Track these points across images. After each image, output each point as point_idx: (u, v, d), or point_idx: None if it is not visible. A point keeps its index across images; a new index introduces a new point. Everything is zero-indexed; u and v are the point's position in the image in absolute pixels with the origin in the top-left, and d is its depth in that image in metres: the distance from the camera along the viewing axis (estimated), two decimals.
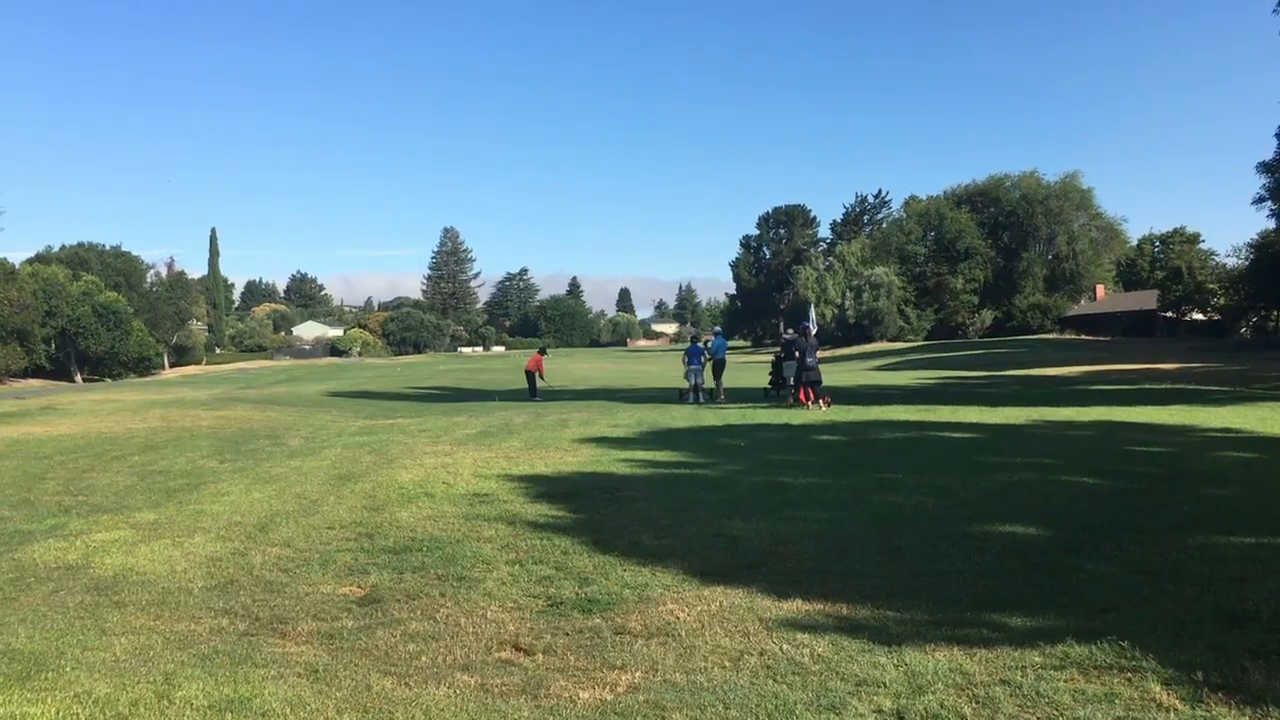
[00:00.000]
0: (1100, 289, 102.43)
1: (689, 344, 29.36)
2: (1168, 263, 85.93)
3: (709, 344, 29.40)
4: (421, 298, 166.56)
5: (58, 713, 5.21)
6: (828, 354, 66.13)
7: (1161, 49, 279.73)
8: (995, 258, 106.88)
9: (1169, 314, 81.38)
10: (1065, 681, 5.20)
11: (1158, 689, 5.03)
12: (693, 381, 27.87)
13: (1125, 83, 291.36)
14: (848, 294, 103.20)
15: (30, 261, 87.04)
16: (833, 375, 38.54)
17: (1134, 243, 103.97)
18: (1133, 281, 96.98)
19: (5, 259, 76.73)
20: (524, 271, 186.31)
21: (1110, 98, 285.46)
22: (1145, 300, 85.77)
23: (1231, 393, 27.96)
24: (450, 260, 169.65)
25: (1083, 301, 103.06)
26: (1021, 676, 5.29)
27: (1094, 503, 10.03)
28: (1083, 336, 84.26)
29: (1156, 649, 5.56)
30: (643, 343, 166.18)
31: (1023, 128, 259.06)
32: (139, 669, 5.93)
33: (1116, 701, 4.93)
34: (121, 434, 20.95)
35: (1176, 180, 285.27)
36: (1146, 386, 32.20)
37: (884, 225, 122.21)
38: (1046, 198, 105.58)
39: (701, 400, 27.34)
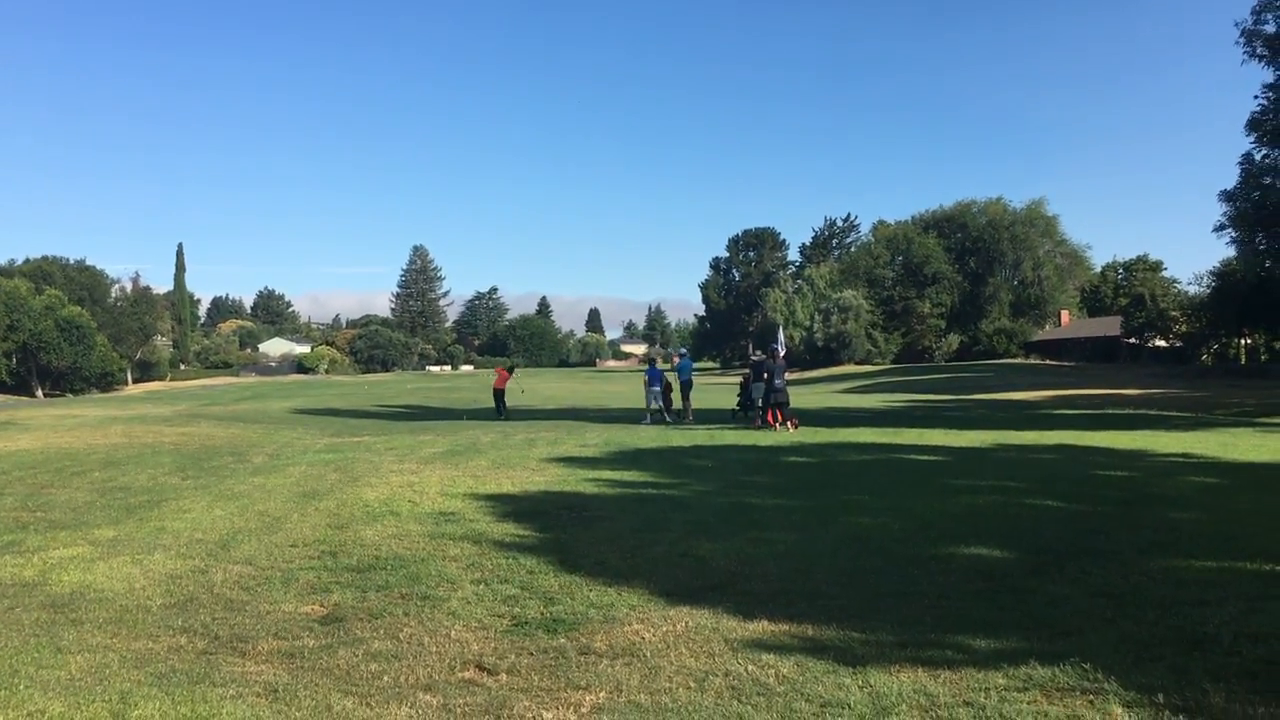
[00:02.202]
0: (1065, 315, 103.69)
1: (648, 366, 29.70)
2: (1131, 290, 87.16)
3: (677, 364, 29.57)
4: (390, 316, 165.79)
5: None
6: (796, 376, 66.41)
7: (1124, 78, 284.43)
8: (962, 282, 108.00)
9: (1132, 340, 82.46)
10: (1028, 704, 5.22)
11: (1119, 711, 5.05)
12: (650, 403, 28.28)
13: (1089, 112, 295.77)
14: (816, 317, 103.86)
15: None
16: (801, 397, 38.70)
17: (1098, 270, 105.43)
18: (1096, 308, 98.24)
19: None
20: (494, 290, 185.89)
21: (1075, 126, 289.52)
22: (1109, 326, 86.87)
23: (1193, 418, 28.33)
24: (419, 278, 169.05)
25: (1047, 327, 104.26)
26: (985, 698, 5.31)
27: (1057, 526, 10.10)
28: (1047, 361, 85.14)
29: (1118, 671, 5.59)
30: (612, 363, 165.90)
31: (990, 155, 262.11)
32: (95, 688, 5.83)
33: None
34: (82, 450, 20.66)
35: (1139, 209, 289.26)
36: (1110, 411, 32.58)
37: (852, 249, 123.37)
38: (1012, 224, 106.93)
39: (664, 420, 27.47)
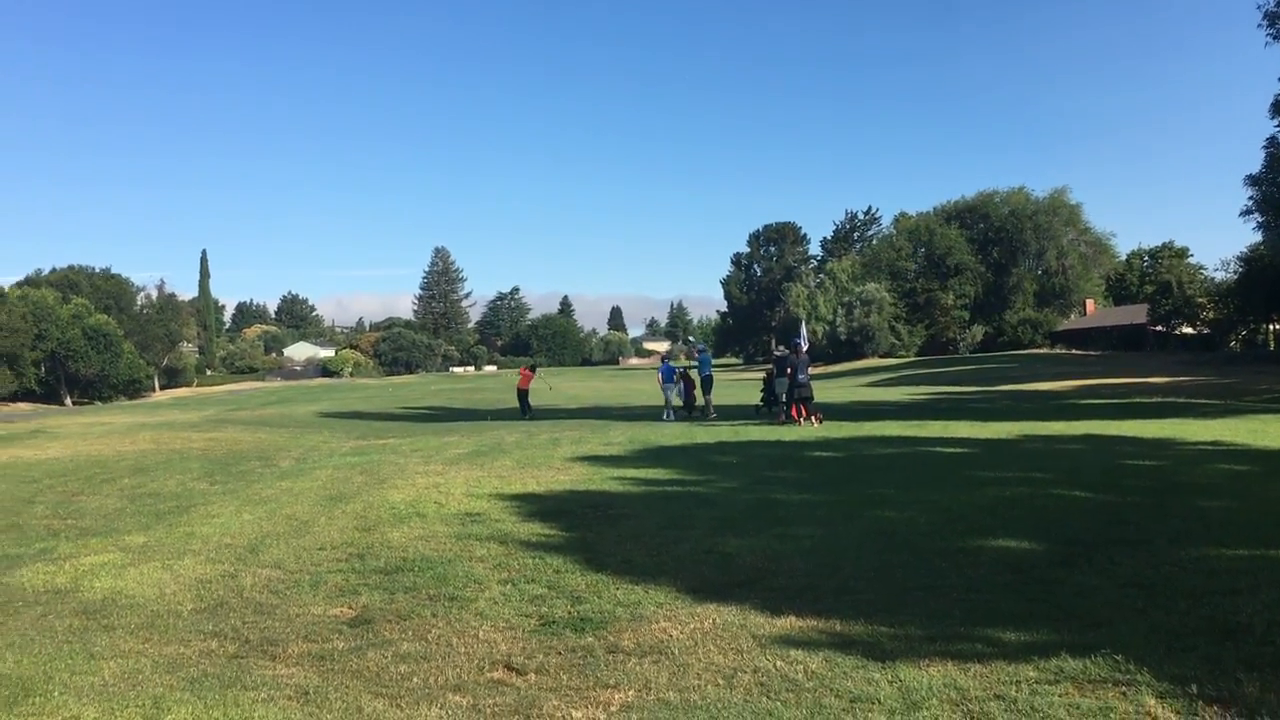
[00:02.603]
0: (1090, 304, 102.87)
1: (661, 364, 29.93)
2: (1157, 277, 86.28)
3: (695, 358, 29.59)
4: (413, 318, 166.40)
5: None
6: (819, 370, 66.20)
7: (1146, 63, 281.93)
8: (985, 273, 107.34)
9: (1159, 328, 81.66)
10: (1060, 696, 5.19)
11: (1152, 702, 5.02)
12: (669, 400, 28.64)
13: (1111, 98, 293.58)
14: (839, 310, 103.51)
15: (19, 285, 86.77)
16: (824, 391, 38.58)
17: (1123, 258, 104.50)
18: (1122, 296, 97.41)
19: None
20: (515, 291, 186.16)
21: (1097, 113, 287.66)
22: (1135, 314, 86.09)
23: (1222, 406, 28.05)
24: (441, 280, 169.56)
25: (1073, 316, 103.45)
26: (1016, 691, 5.28)
27: (1086, 516, 10.03)
28: (1073, 351, 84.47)
29: (1150, 662, 5.54)
30: (634, 361, 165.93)
31: (1011, 144, 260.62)
32: (128, 693, 5.88)
33: (1111, 715, 4.91)
34: (111, 457, 20.85)
35: (1164, 196, 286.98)
36: (1137, 400, 32.29)
37: (874, 242, 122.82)
38: (1035, 213, 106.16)
39: (673, 417, 27.59)
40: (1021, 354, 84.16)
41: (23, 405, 69.31)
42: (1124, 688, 5.24)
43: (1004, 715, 4.98)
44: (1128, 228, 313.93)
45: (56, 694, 5.89)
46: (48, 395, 78.39)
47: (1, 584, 9.30)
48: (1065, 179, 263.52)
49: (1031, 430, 19.78)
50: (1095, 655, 5.70)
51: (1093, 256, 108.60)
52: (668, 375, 29.10)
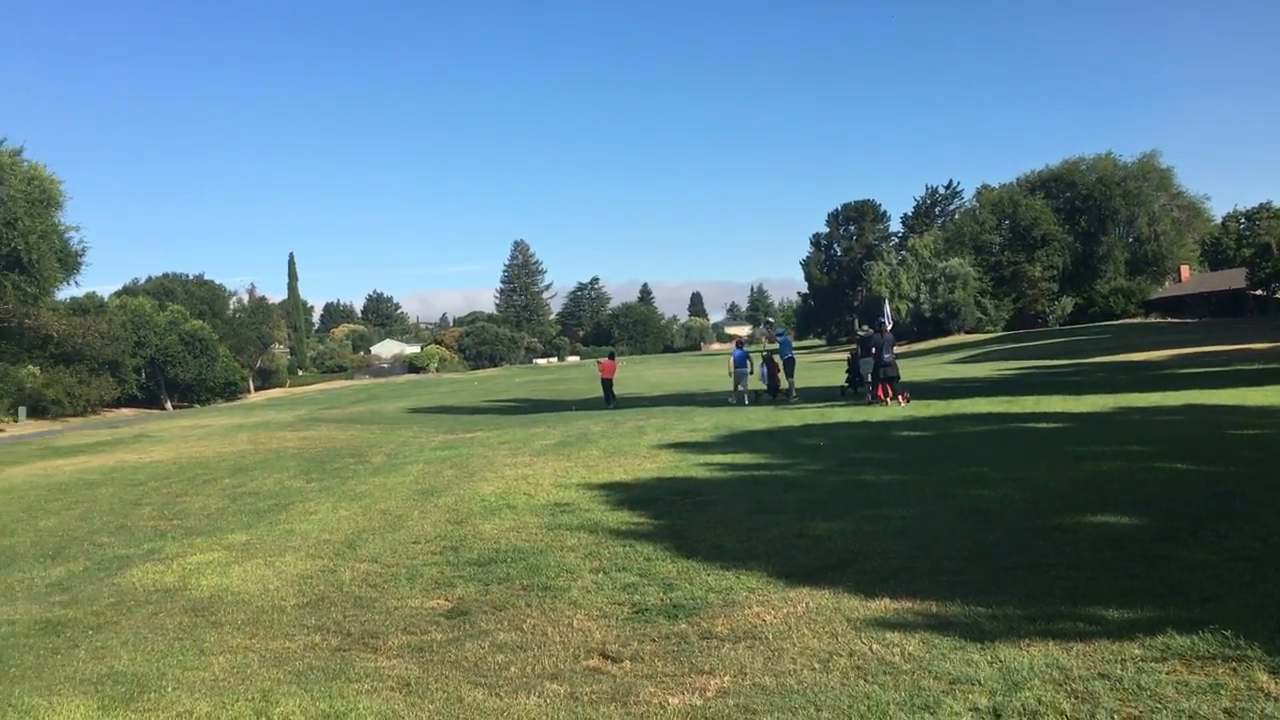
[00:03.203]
0: (1185, 270, 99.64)
1: (735, 349, 29.92)
2: (1255, 239, 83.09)
3: (776, 341, 29.55)
4: (495, 311, 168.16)
5: None
6: (904, 349, 65.32)
7: (1235, 18, 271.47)
8: (1073, 243, 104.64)
9: (1259, 292, 78.75)
10: (1167, 674, 5.05)
11: (1265, 678, 4.86)
12: (738, 385, 28.66)
13: (1200, 58, 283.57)
14: (922, 287, 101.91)
15: (118, 294, 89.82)
16: (910, 370, 38.07)
17: (1218, 221, 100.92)
18: (1219, 261, 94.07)
19: (94, 293, 79.45)
20: (595, 280, 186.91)
21: (1186, 74, 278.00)
22: (1233, 279, 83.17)
23: None
24: (522, 273, 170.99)
25: (1167, 284, 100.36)
26: (1121, 670, 5.15)
27: (1189, 489, 9.73)
28: (1168, 319, 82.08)
29: (1261, 637, 5.36)
30: (716, 346, 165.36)
31: (1095, 110, 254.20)
32: (237, 687, 6.06)
33: (1222, 692, 4.76)
34: (211, 458, 21.48)
35: (1261, 155, 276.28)
36: (1238, 367, 31.23)
37: (956, 216, 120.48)
38: (1124, 179, 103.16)
39: (745, 402, 27.62)
40: (1114, 324, 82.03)
41: (126, 411, 71.65)
42: (1234, 664, 5.08)
43: (1109, 694, 4.87)
44: (1223, 190, 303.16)
45: (170, 689, 6.10)
46: (149, 400, 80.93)
47: (113, 584, 9.65)
48: (1154, 143, 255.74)
49: (1128, 402, 19.27)
50: (1203, 631, 5.53)
51: (1186, 221, 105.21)
52: (740, 360, 28.97)
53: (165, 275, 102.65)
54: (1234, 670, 5.00)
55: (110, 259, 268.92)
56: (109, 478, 19.10)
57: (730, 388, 29.14)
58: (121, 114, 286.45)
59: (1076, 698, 4.86)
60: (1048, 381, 30.35)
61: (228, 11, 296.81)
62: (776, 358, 29.27)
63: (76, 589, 9.60)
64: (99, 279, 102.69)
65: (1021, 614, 6.22)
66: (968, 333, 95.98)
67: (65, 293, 59.95)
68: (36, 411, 58.55)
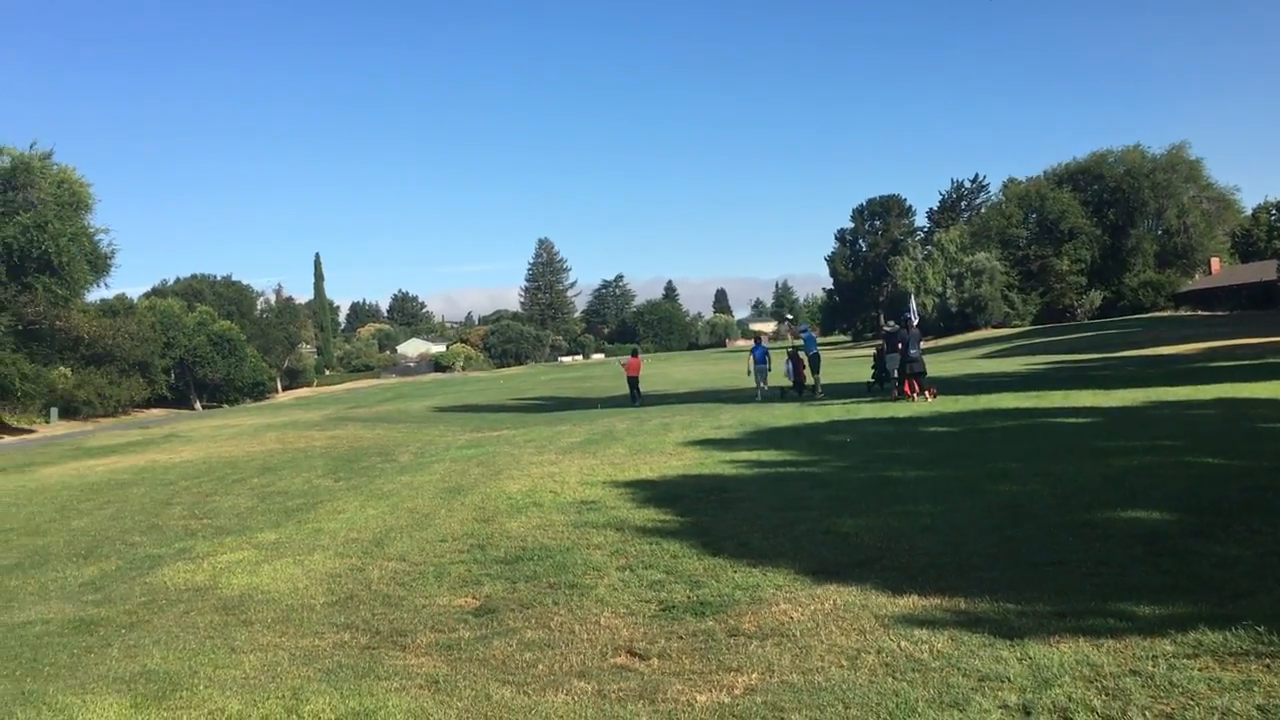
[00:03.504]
0: (1215, 262, 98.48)
1: (754, 345, 30.18)
2: None
3: (800, 338, 29.57)
4: (520, 310, 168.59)
5: None
6: (931, 344, 64.96)
7: (1262, 9, 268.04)
8: (1101, 236, 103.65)
9: None
10: (1199, 670, 5.00)
11: None
12: (759, 381, 28.82)
13: (1229, 47, 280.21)
14: (948, 282, 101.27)
15: (147, 295, 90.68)
16: (937, 365, 37.85)
17: (1249, 212, 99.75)
18: (1250, 252, 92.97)
19: (124, 294, 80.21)
20: (619, 278, 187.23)
21: (1214, 64, 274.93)
22: (1264, 271, 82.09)
23: None
24: (546, 271, 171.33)
25: (1197, 276, 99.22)
26: (1153, 666, 5.11)
27: (1221, 484, 9.63)
28: (1199, 312, 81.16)
29: None
30: (741, 343, 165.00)
31: (1123, 102, 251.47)
32: (268, 685, 6.11)
33: (1255, 689, 4.71)
34: (241, 457, 21.65)
35: None
36: (1270, 361, 30.85)
37: (982, 210, 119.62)
38: (1152, 171, 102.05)
39: (762, 398, 27.87)
40: (1143, 318, 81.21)
41: (155, 411, 72.32)
42: (1267, 660, 5.03)
43: (1141, 691, 4.83)
44: (1253, 181, 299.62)
45: (202, 687, 6.15)
46: (178, 400, 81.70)
47: (145, 583, 9.75)
48: (1183, 134, 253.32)
49: (1158, 396, 19.09)
50: (1236, 627, 5.48)
51: (1216, 213, 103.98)
52: (760, 357, 29.09)
53: (193, 276, 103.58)
54: (1267, 667, 4.95)
55: (139, 261, 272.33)
56: (140, 477, 19.29)
57: (754, 385, 29.26)
58: (150, 117, 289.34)
59: (1107, 695, 4.82)
60: (1076, 376, 30.12)
61: (255, 14, 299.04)
62: (801, 354, 29.20)
63: (109, 588, 9.70)
64: (128, 281, 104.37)
65: (1051, 610, 6.18)
66: (995, 328, 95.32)
67: (95, 295, 60.44)
68: (68, 412, 59.24)
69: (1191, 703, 4.65)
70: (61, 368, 59.05)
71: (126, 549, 11.74)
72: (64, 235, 45.18)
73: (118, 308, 73.53)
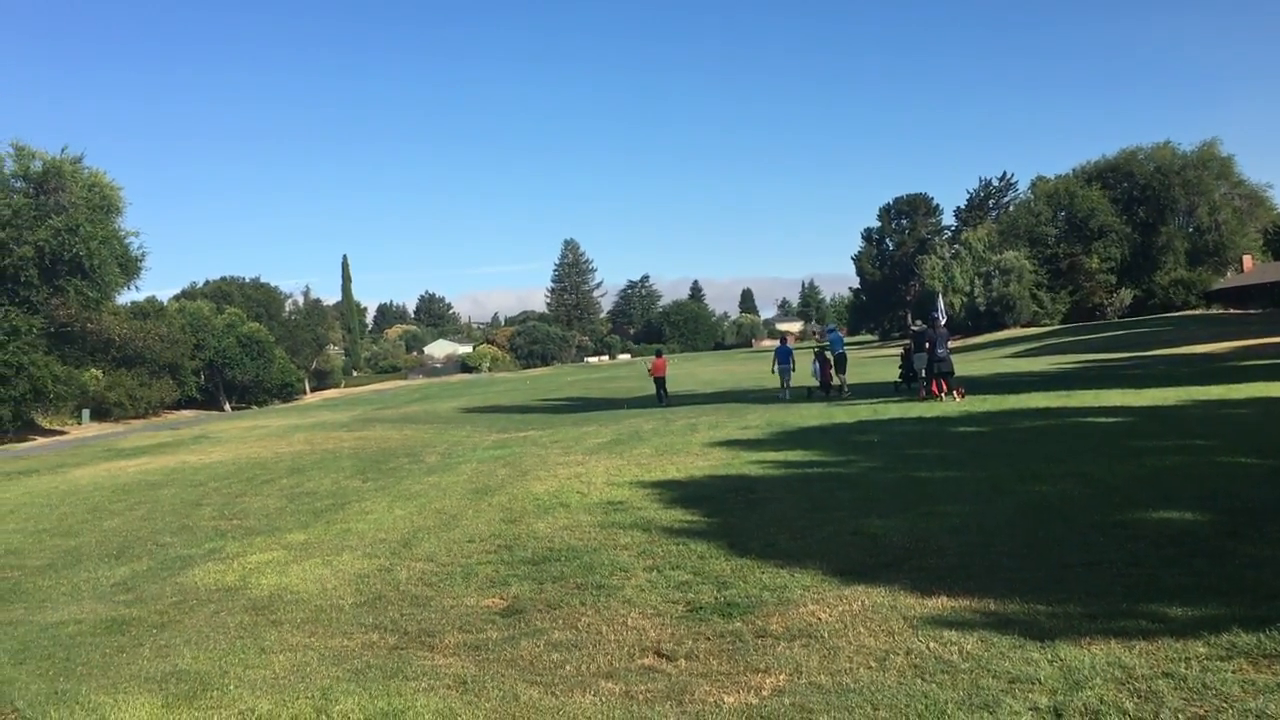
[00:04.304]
0: (1248, 260, 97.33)
1: (778, 345, 30.92)
2: None
3: (825, 338, 29.66)
4: (546, 310, 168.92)
5: None
6: (959, 343, 64.57)
7: None
8: (1132, 234, 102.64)
9: None
10: (1233, 672, 4.94)
11: None
12: (784, 381, 29.23)
13: (1258, 45, 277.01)
14: (976, 281, 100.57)
15: (177, 298, 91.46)
16: (965, 365, 37.60)
17: None
18: None
19: (154, 296, 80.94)
20: (645, 278, 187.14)
21: (1245, 59, 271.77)
22: None
23: None
24: (572, 272, 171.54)
25: (1229, 274, 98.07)
26: (1185, 668, 5.05)
27: (1254, 484, 9.51)
28: (1231, 311, 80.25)
29: None
30: (767, 343, 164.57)
31: (1152, 99, 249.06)
32: (297, 685, 6.14)
33: None
34: (270, 458, 21.80)
35: None
36: None
37: (1011, 209, 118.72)
38: (1183, 168, 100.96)
39: (788, 397, 28.19)
40: (1175, 316, 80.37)
41: (185, 412, 72.89)
42: None
43: (1174, 694, 4.78)
44: None
45: (232, 687, 6.20)
46: (208, 402, 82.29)
47: (176, 583, 9.83)
48: (1214, 131, 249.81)
49: (1190, 396, 18.88)
50: (1270, 629, 5.40)
51: (1248, 210, 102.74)
52: (784, 357, 29.54)
53: (222, 279, 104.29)
54: None
55: (169, 263, 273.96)
56: (170, 478, 19.46)
57: (778, 384, 29.51)
58: (179, 121, 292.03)
59: (1140, 697, 4.77)
60: (1107, 375, 29.83)
61: (285, 17, 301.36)
62: (828, 354, 29.12)
63: (140, 588, 9.79)
64: (158, 283, 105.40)
65: (1082, 612, 6.12)
66: (1023, 326, 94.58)
67: (126, 297, 61.12)
68: (99, 414, 59.80)
69: (1225, 705, 4.59)
70: (93, 370, 59.62)
71: (157, 549, 11.85)
72: (95, 238, 45.67)
73: (148, 310, 74.15)
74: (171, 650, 7.27)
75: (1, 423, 43.09)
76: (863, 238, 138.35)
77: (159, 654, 7.20)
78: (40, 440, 45.27)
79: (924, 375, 23.49)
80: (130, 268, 50.28)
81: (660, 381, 32.84)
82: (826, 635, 6.26)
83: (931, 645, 5.84)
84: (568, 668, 6.17)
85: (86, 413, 58.25)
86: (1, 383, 42.40)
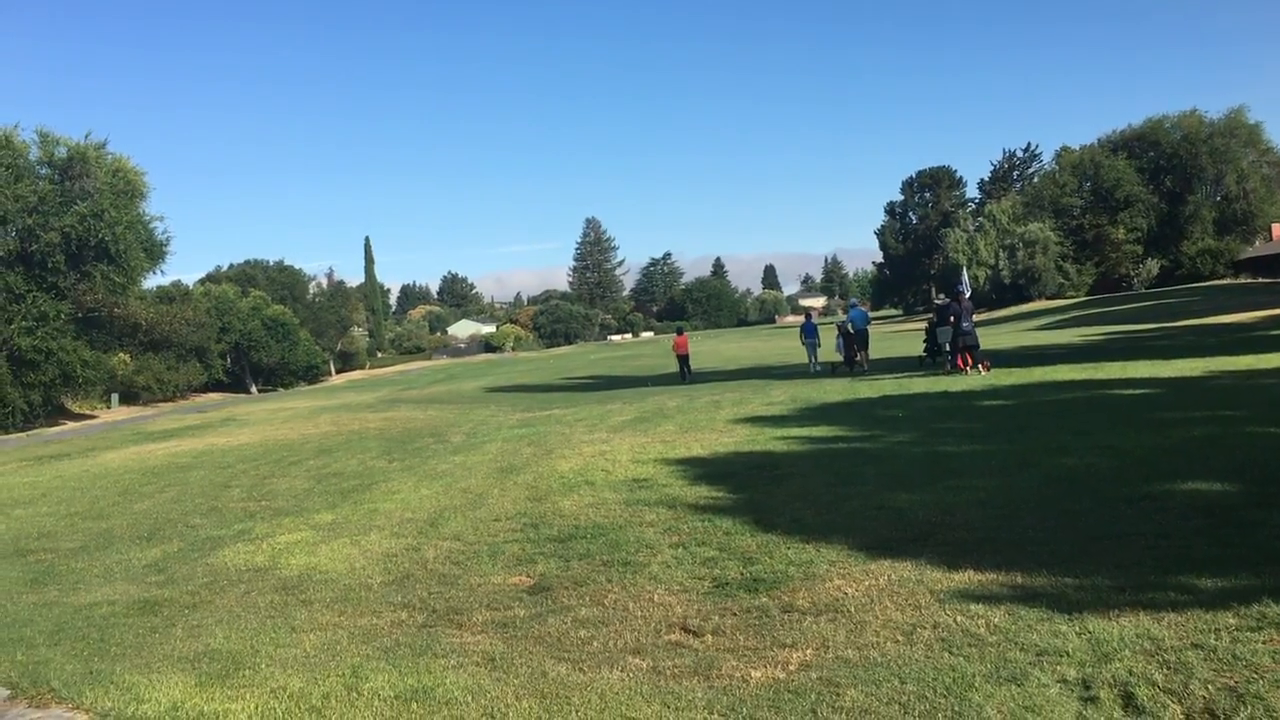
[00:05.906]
0: (1276, 228, 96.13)
1: (804, 320, 31.53)
2: None
3: (848, 315, 29.63)
4: (569, 289, 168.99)
5: (256, 708, 5.50)
6: (984, 316, 64.16)
7: None
8: (1158, 204, 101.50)
9: None
10: (1263, 643, 4.91)
11: None
12: (811, 355, 29.98)
13: None
14: (1001, 254, 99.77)
15: (202, 281, 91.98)
16: (990, 338, 37.39)
17: None
18: None
19: (180, 281, 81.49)
20: (667, 256, 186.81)
21: (1271, 27, 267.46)
22: None
23: None
24: (594, 250, 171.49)
25: (1257, 243, 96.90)
26: (1215, 640, 5.03)
27: None
28: (1260, 280, 79.33)
29: None
30: (791, 319, 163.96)
31: (1178, 67, 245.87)
32: (328, 663, 6.21)
33: None
34: (296, 440, 21.95)
35: None
36: None
37: (1035, 180, 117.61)
38: (1210, 136, 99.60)
39: (817, 370, 28.62)
40: (1203, 286, 79.53)
41: (213, 395, 73.47)
42: None
43: (1203, 665, 4.76)
44: None
45: (264, 666, 6.27)
46: (234, 384, 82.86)
47: (207, 564, 9.94)
48: (1241, 98, 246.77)
49: (1219, 366, 18.71)
50: None
51: (1277, 178, 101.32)
52: (810, 331, 30.09)
53: (246, 262, 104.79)
54: None
55: (193, 247, 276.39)
56: (199, 461, 19.64)
57: (805, 359, 29.77)
58: (202, 105, 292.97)
59: (1169, 669, 4.76)
60: (1134, 346, 29.58)
61: (305, 0, 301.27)
62: (850, 328, 29.01)
63: (172, 569, 9.90)
64: (183, 267, 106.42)
65: (1110, 584, 6.10)
66: (1049, 299, 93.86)
67: (151, 282, 61.35)
68: (128, 398, 60.39)
69: (1255, 676, 4.57)
70: (121, 354, 60.08)
71: (188, 531, 11.98)
72: (120, 223, 45.89)
73: (174, 294, 74.63)
74: (203, 630, 7.35)
75: (32, 407, 43.53)
76: (885, 211, 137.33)
77: (191, 634, 7.29)
78: (70, 424, 45.78)
79: (949, 349, 23.39)
80: (155, 252, 50.52)
81: (683, 359, 32.83)
82: (853, 610, 6.27)
83: (958, 619, 5.83)
84: (595, 644, 6.20)
85: (115, 397, 58.82)
86: (31, 368, 42.82)
